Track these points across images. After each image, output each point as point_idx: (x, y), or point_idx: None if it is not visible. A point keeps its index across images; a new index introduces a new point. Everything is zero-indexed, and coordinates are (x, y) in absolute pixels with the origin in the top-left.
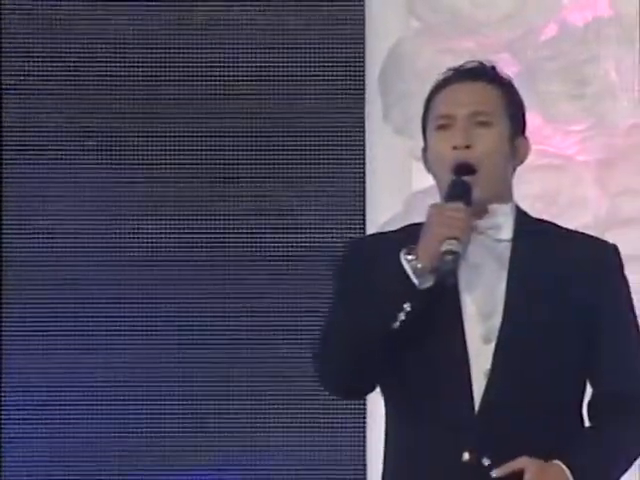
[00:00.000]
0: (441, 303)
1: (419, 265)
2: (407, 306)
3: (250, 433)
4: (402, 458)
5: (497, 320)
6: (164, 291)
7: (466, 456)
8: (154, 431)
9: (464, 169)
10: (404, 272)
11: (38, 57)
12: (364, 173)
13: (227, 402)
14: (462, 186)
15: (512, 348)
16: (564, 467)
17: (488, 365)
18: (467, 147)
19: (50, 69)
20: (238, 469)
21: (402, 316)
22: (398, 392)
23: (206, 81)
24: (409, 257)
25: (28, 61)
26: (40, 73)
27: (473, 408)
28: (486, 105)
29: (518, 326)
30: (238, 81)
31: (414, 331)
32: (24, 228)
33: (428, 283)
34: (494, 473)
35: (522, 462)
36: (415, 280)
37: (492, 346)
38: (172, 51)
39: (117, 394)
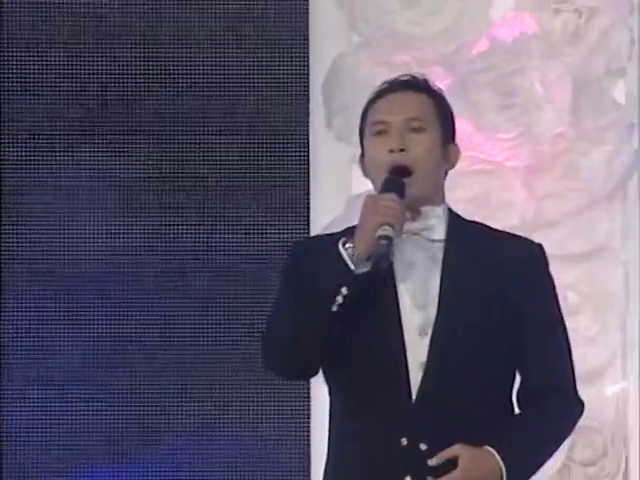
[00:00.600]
0: (379, 294)
1: (356, 252)
2: (344, 290)
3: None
4: (344, 444)
5: (432, 314)
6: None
7: (404, 442)
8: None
9: (400, 171)
10: (342, 260)
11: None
12: (308, 177)
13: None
14: (396, 182)
15: (446, 342)
16: (494, 452)
17: (424, 357)
18: (402, 150)
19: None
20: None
21: (340, 299)
22: (339, 380)
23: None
24: (346, 246)
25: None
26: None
27: (410, 397)
28: (419, 112)
29: (451, 322)
30: (185, 84)
31: (352, 317)
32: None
33: (364, 269)
34: (430, 462)
35: (456, 450)
36: (352, 265)
37: (427, 339)
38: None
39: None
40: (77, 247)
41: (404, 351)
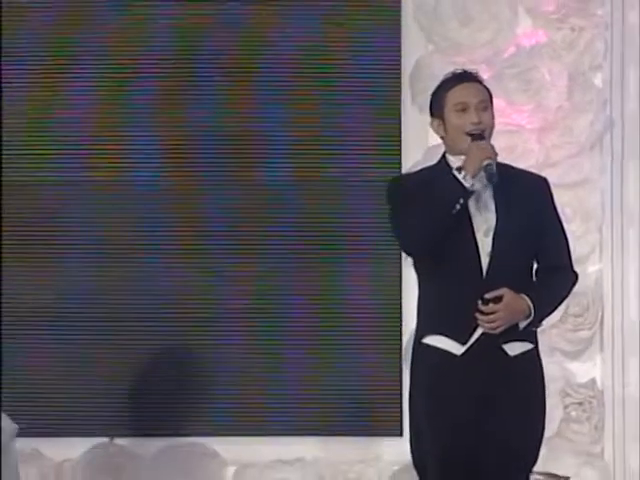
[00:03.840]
0: (463, 214)
1: (468, 176)
2: (461, 200)
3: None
4: (433, 308)
5: (492, 223)
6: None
7: (479, 302)
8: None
9: (477, 137)
10: (459, 182)
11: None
12: (400, 135)
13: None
14: (482, 137)
15: (501, 239)
16: (526, 297)
17: (489, 249)
18: (479, 124)
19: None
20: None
21: (458, 206)
22: (436, 265)
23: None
24: (461, 173)
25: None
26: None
27: (482, 274)
28: (484, 96)
29: (502, 226)
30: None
31: (458, 219)
32: None
33: (472, 187)
34: (487, 295)
35: (502, 290)
36: (466, 184)
37: (490, 238)
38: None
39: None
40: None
41: (476, 246)
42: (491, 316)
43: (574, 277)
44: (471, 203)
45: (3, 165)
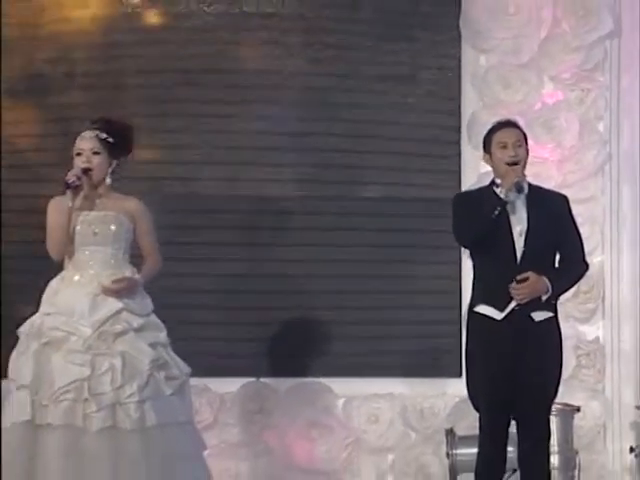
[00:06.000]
0: (503, 217)
1: (503, 190)
2: (499, 208)
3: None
4: (481, 285)
5: (524, 226)
6: None
7: (514, 283)
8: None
9: (513, 164)
10: (496, 195)
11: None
12: (459, 165)
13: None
14: (516, 164)
15: (531, 238)
16: (546, 279)
17: (522, 245)
18: (515, 156)
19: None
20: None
21: (496, 212)
22: (483, 254)
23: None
24: (498, 188)
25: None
26: None
27: (516, 262)
28: (519, 137)
29: (532, 228)
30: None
31: (497, 222)
32: None
33: (506, 198)
34: (518, 277)
35: (528, 273)
36: (502, 196)
37: (523, 237)
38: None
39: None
40: None
41: (512, 241)
42: (519, 291)
43: (585, 266)
44: (510, 212)
45: (180, 178)
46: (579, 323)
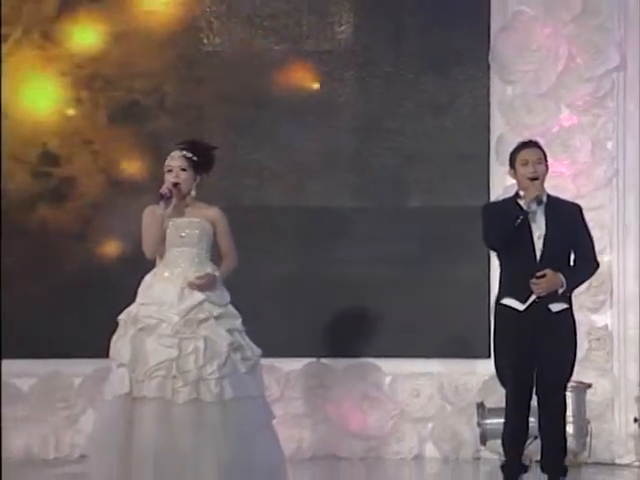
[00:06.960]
0: (525, 224)
1: (525, 202)
2: (521, 216)
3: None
4: (506, 281)
5: (543, 231)
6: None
7: (534, 279)
8: None
9: (534, 178)
10: (519, 206)
11: None
12: (488, 179)
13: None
14: (535, 179)
15: (550, 241)
16: (561, 275)
17: (541, 247)
18: (535, 172)
19: None
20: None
21: (519, 221)
22: (508, 255)
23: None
24: (521, 200)
25: None
26: None
27: (536, 261)
28: (539, 156)
29: (550, 233)
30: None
31: (520, 230)
32: None
33: (528, 209)
34: (537, 274)
35: (546, 270)
36: (524, 207)
37: (542, 240)
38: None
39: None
40: None
41: (533, 244)
42: (538, 285)
43: (596, 265)
44: (531, 220)
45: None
46: (591, 312)
